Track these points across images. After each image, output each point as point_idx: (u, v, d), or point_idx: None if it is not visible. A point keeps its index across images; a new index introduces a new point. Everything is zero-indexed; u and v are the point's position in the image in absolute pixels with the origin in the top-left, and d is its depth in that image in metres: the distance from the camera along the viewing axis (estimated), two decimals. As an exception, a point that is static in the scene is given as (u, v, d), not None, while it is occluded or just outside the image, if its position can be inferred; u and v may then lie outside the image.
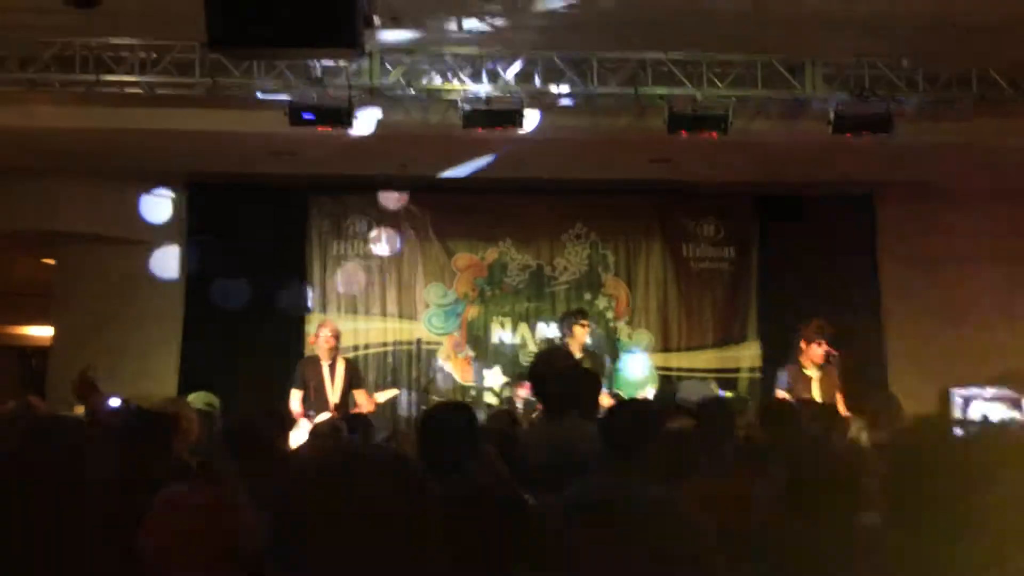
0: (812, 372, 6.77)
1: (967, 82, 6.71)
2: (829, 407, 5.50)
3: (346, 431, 3.75)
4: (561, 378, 3.82)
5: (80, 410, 6.54)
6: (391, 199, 9.01)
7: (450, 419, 2.81)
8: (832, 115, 6.67)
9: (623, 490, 1.44)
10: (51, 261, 9.27)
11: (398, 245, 9.15)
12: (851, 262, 9.21)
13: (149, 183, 8.75)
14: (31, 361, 11.32)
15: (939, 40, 6.24)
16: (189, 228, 9.06)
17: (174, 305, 8.96)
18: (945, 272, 9.21)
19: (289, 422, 4.56)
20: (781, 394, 6.72)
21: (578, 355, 6.69)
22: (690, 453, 3.17)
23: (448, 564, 1.07)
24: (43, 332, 10.50)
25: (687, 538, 1.27)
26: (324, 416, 6.40)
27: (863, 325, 8.94)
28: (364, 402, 6.88)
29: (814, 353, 6.72)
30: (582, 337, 7.10)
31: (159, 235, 8.99)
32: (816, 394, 6.67)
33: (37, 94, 6.69)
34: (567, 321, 7.36)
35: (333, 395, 6.77)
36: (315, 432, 3.90)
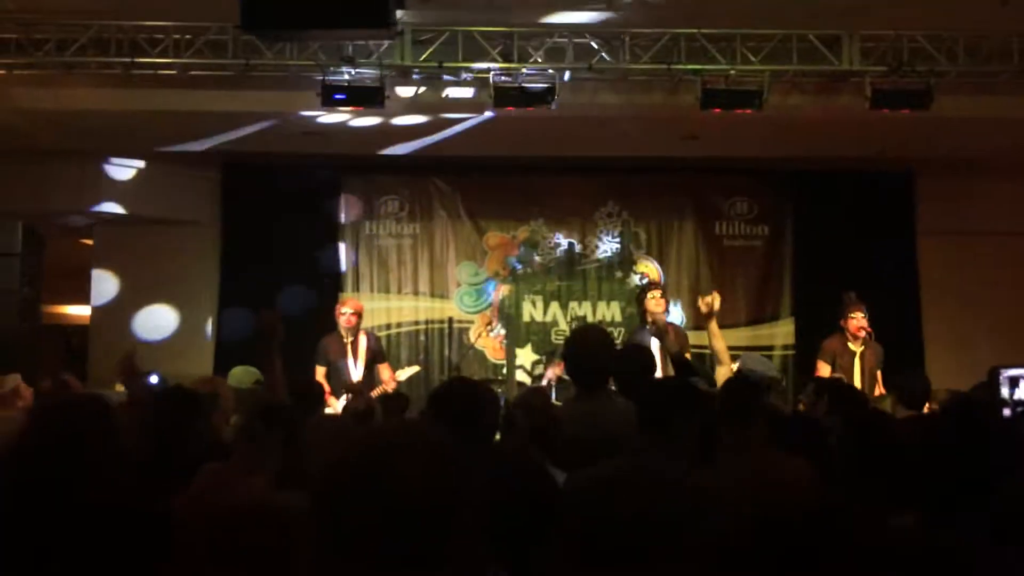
0: (856, 347, 6.70)
1: (1008, 55, 6.56)
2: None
3: (380, 412, 3.78)
4: (594, 356, 3.81)
5: (120, 388, 6.68)
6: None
7: (458, 396, 2.81)
8: (869, 90, 6.56)
9: (648, 468, 1.44)
10: (89, 241, 9.41)
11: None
12: (888, 239, 9.08)
13: (184, 164, 8.84)
14: (71, 340, 11.53)
15: (979, 11, 6.11)
16: (223, 208, 9.15)
17: (209, 284, 9.08)
18: (985, 249, 9.06)
19: (321, 399, 4.59)
20: (823, 367, 6.67)
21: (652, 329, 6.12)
22: (718, 431, 3.15)
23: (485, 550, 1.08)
24: (83, 311, 10.69)
25: (712, 515, 1.27)
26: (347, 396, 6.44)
27: (900, 303, 8.84)
28: (387, 378, 6.87)
29: (850, 325, 6.67)
30: (656, 308, 6.27)
31: (194, 215, 9.10)
32: (857, 370, 6.62)
33: (74, 77, 6.78)
34: (640, 297, 6.63)
35: (356, 371, 6.78)
36: (347, 411, 3.94)
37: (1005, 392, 2.13)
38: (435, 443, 1.01)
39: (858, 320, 6.67)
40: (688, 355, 6.32)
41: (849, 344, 6.72)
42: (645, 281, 7.71)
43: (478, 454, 2.39)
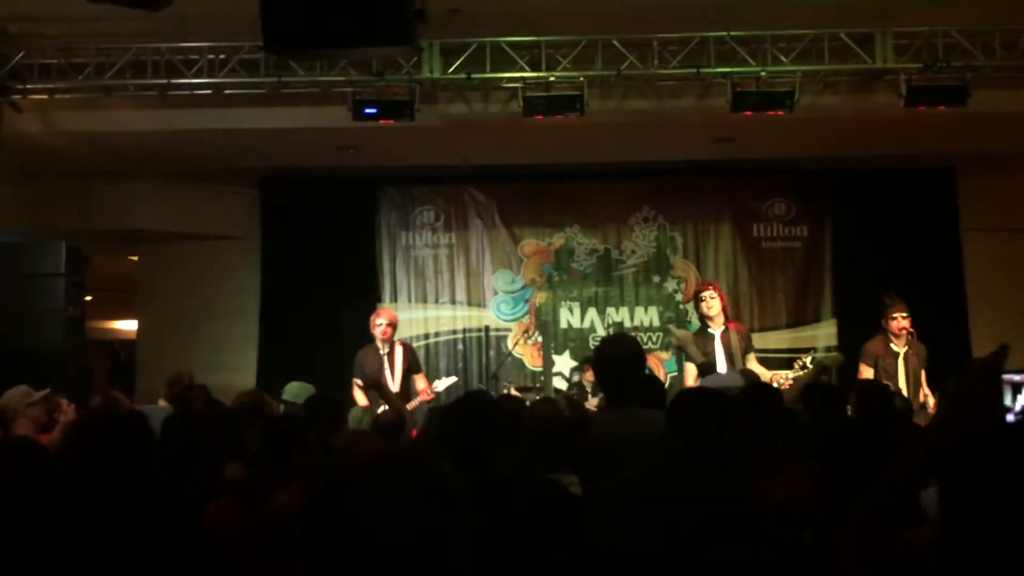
0: (899, 348, 6.59)
1: (1047, 48, 6.42)
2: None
3: (409, 426, 3.81)
4: (622, 367, 3.79)
5: (163, 403, 6.83)
6: None
7: (468, 414, 2.81)
8: (904, 88, 6.46)
9: (672, 476, 1.43)
10: (135, 258, 9.63)
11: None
12: (931, 237, 8.91)
13: (222, 181, 9.01)
14: (120, 355, 11.81)
15: (1015, 4, 5.98)
16: (263, 223, 9.30)
17: (251, 298, 9.23)
18: (1032, 245, 8.85)
19: (334, 415, 4.64)
20: (866, 370, 6.57)
21: (716, 330, 6.26)
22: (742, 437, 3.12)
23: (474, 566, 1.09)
24: (130, 326, 10.93)
25: (737, 523, 1.24)
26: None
27: (945, 302, 8.67)
28: (424, 387, 6.90)
29: (892, 326, 6.56)
30: (714, 310, 6.33)
31: (234, 230, 9.26)
32: (901, 370, 6.51)
33: (114, 99, 6.96)
34: (696, 300, 6.65)
35: (393, 383, 6.78)
36: (378, 423, 3.98)
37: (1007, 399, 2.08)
38: (418, 467, 1.03)
39: (899, 320, 6.56)
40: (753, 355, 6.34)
41: (892, 345, 6.60)
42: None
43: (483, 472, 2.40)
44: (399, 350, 7.01)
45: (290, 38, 3.59)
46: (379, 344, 6.95)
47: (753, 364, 6.31)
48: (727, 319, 6.52)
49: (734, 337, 6.35)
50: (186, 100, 6.97)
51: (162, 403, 6.70)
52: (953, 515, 1.83)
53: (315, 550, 0.98)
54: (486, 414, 2.73)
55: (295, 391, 5.70)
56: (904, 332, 6.55)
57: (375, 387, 5.47)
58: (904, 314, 6.57)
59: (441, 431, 2.74)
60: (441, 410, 2.83)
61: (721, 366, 6.12)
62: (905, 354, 6.58)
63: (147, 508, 2.39)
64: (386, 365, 6.91)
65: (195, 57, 6.73)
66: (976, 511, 1.71)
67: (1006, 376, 2.05)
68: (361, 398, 6.81)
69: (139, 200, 8.83)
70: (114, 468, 2.58)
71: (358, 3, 3.54)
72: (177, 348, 8.97)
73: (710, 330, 6.39)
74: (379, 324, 7.00)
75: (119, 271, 10.22)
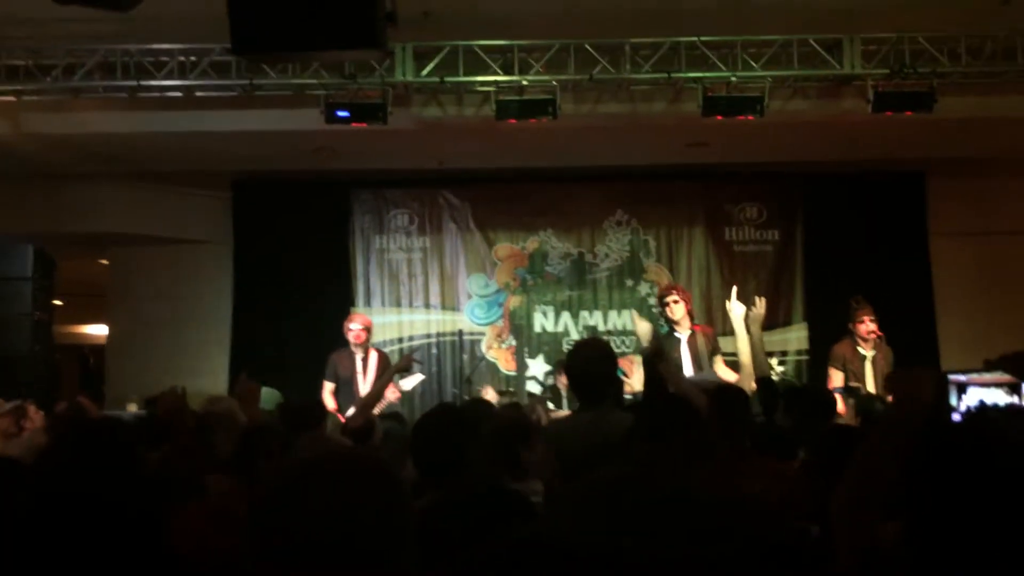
0: (866, 351, 6.66)
1: (1012, 53, 6.52)
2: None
3: (379, 430, 3.80)
4: (593, 370, 3.80)
5: (133, 408, 6.76)
6: None
7: (437, 424, 2.82)
8: (871, 93, 6.54)
9: (636, 476, 1.43)
10: (105, 262, 9.53)
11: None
12: (901, 241, 9.03)
13: (194, 184, 8.93)
14: (89, 360, 11.67)
15: (980, 11, 6.08)
16: (235, 227, 9.23)
17: (223, 303, 9.16)
18: (999, 248, 8.98)
19: (316, 417, 4.62)
20: (835, 374, 6.63)
21: (683, 334, 6.27)
22: (710, 439, 3.15)
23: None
24: (100, 331, 10.81)
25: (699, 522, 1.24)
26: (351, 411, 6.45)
27: (914, 305, 8.78)
28: (389, 393, 6.85)
29: (860, 330, 6.62)
30: (678, 314, 6.34)
31: (206, 234, 9.19)
32: (869, 373, 6.56)
33: (83, 101, 6.89)
34: (660, 303, 6.63)
35: (364, 387, 6.74)
36: (346, 429, 3.96)
37: (953, 399, 2.13)
38: (362, 468, 1.03)
39: (867, 324, 6.62)
40: (720, 357, 6.37)
41: (859, 348, 6.66)
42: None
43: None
44: (374, 356, 7.00)
45: (259, 40, 3.57)
46: (354, 348, 6.93)
47: (720, 367, 6.34)
48: (693, 322, 6.56)
49: (700, 340, 6.38)
50: (156, 102, 6.91)
51: (132, 409, 6.64)
52: (915, 511, 1.86)
53: (263, 552, 0.98)
54: (454, 428, 2.74)
55: (263, 398, 5.65)
56: (872, 335, 6.62)
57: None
58: (872, 317, 6.63)
59: (412, 444, 2.75)
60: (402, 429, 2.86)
61: (688, 370, 6.15)
62: (873, 358, 6.64)
63: (121, 520, 2.35)
64: (359, 370, 6.89)
65: (165, 59, 6.68)
66: (936, 507, 1.75)
67: (951, 377, 2.11)
68: (330, 401, 6.79)
69: (109, 203, 8.73)
70: (89, 480, 2.54)
71: (327, 6, 3.53)
72: (147, 353, 8.89)
73: (676, 334, 6.42)
74: (353, 329, 6.97)
75: (88, 275, 10.11)
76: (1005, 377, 2.01)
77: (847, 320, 6.80)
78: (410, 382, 7.07)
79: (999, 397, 2.05)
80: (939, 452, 1.86)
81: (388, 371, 5.66)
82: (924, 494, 1.82)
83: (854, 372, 6.62)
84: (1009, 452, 1.74)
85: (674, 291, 6.58)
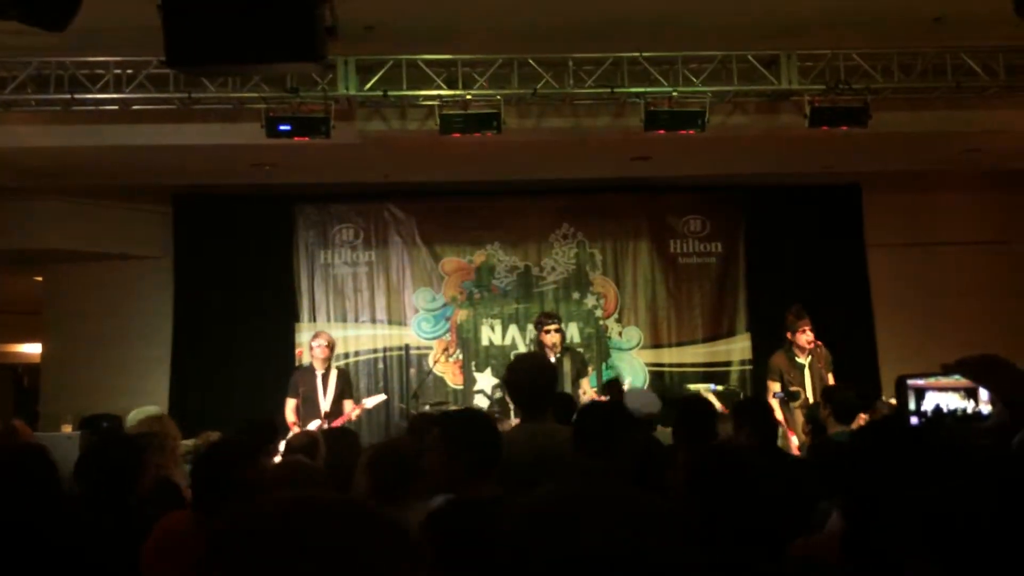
0: (803, 360, 6.76)
1: (942, 71, 6.71)
2: None
3: (324, 446, 3.75)
4: (532, 383, 3.81)
5: (68, 429, 6.58)
6: None
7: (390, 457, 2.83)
8: (808, 108, 6.68)
9: (585, 490, 1.42)
10: (39, 279, 9.28)
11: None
12: (839, 252, 9.23)
13: (132, 199, 8.75)
14: (23, 379, 11.33)
15: (912, 30, 6.26)
16: (176, 242, 9.07)
17: (163, 320, 8.97)
18: (932, 259, 9.24)
19: (271, 436, 4.57)
20: (773, 385, 6.72)
21: (553, 359, 6.43)
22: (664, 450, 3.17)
23: None
24: (34, 349, 10.50)
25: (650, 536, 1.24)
26: (314, 424, 6.44)
27: (853, 314, 8.98)
28: (348, 410, 6.94)
29: (800, 340, 6.73)
30: (550, 342, 6.61)
31: (145, 250, 9.01)
32: (808, 381, 6.67)
33: (14, 114, 6.71)
34: (536, 328, 6.96)
35: (325, 404, 6.84)
36: (290, 446, 3.90)
37: (912, 403, 2.16)
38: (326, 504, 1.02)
39: (807, 333, 6.73)
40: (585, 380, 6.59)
41: (797, 359, 6.77)
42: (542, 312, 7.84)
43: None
44: (334, 373, 7.04)
45: (195, 53, 3.51)
46: (316, 365, 6.92)
47: (585, 387, 6.59)
48: (563, 349, 6.74)
49: (567, 362, 6.54)
50: (91, 116, 6.76)
51: (66, 429, 6.45)
52: (854, 518, 1.90)
53: None
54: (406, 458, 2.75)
55: (136, 417, 5.50)
56: (811, 345, 6.73)
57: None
58: (809, 327, 6.75)
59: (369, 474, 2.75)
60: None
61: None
62: (810, 363, 6.75)
63: (40, 548, 2.29)
64: (319, 386, 6.89)
65: (101, 72, 6.53)
66: (875, 514, 1.78)
67: (910, 381, 2.14)
68: (291, 415, 6.83)
69: (43, 219, 8.51)
70: (9, 508, 2.47)
71: (265, 18, 3.48)
72: (85, 372, 8.67)
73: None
74: (317, 345, 7.00)
75: (21, 292, 9.83)
76: (962, 382, 2.05)
77: (784, 331, 6.91)
78: (372, 401, 7.31)
79: (956, 402, 2.09)
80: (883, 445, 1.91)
81: None
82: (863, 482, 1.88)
83: (793, 382, 6.73)
84: (953, 455, 1.80)
85: (552, 323, 6.72)
